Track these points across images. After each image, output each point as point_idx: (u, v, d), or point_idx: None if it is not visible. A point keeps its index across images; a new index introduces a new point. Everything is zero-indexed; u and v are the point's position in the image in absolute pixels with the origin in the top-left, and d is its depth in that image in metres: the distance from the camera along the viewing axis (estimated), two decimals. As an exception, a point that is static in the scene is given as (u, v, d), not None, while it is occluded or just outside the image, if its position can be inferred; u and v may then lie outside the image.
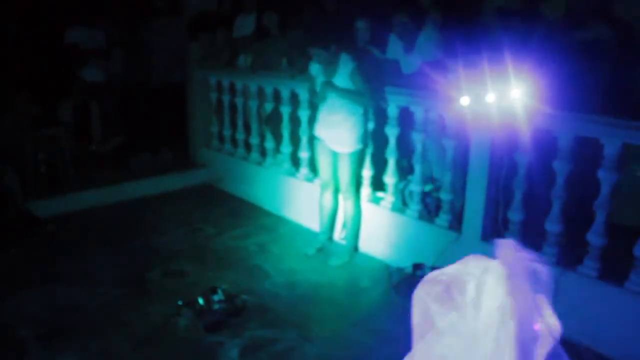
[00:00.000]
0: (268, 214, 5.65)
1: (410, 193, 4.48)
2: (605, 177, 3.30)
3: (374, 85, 4.35)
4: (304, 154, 5.30)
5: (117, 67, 6.86)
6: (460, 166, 4.12)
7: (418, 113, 4.26)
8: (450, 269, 1.72)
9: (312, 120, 4.77)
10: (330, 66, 4.20)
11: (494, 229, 3.91)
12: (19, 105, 5.76)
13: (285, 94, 5.35)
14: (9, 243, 4.78)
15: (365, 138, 4.42)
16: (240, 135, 6.16)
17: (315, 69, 4.34)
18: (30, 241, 4.89)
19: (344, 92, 4.17)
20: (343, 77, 4.17)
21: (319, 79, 4.28)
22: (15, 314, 3.76)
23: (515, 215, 3.77)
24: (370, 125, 4.56)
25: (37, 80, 6.23)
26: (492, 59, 3.52)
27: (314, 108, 4.68)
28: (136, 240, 4.97)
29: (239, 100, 6.06)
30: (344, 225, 4.75)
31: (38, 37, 6.68)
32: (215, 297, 3.74)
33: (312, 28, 4.46)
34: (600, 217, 3.35)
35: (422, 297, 1.83)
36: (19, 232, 4.95)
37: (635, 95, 4.19)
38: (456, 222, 4.15)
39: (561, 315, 2.12)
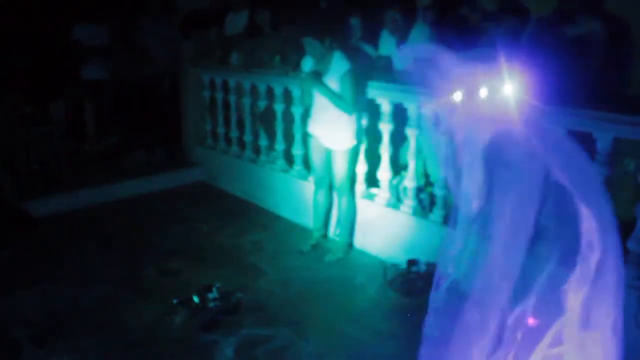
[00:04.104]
0: (262, 211, 5.65)
1: (405, 189, 4.49)
2: (598, 172, 3.31)
3: (360, 92, 4.35)
4: (297, 151, 5.31)
5: (117, 65, 6.86)
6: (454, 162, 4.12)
7: (411, 109, 4.27)
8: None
9: (305, 117, 4.77)
10: (323, 60, 4.20)
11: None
12: (11, 104, 5.73)
13: (278, 91, 5.35)
14: (3, 243, 4.76)
15: (359, 135, 4.43)
16: (233, 133, 6.16)
17: (308, 64, 4.33)
18: (22, 240, 4.87)
19: (329, 94, 4.17)
20: (334, 76, 4.16)
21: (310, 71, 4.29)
22: (9, 313, 3.76)
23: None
24: (364, 122, 4.56)
25: (30, 78, 6.20)
26: (484, 54, 3.52)
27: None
28: (130, 239, 4.96)
29: (232, 98, 6.05)
30: (338, 222, 4.75)
31: (35, 34, 6.65)
32: (210, 295, 3.75)
33: (305, 21, 4.46)
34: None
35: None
36: (10, 232, 4.93)
37: (627, 89, 4.21)
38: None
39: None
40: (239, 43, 6.12)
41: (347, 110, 4.20)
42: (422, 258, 4.09)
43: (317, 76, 4.19)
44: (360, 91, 4.36)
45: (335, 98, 4.16)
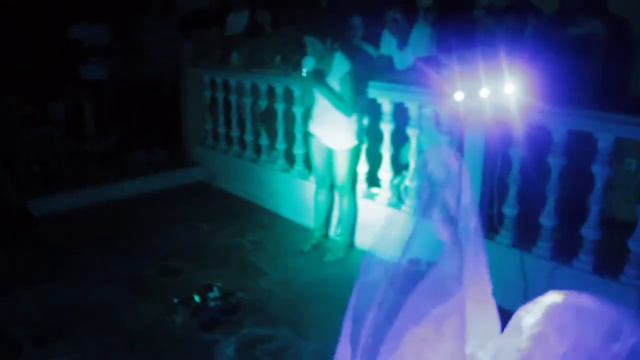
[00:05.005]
0: (263, 211, 5.64)
1: (406, 188, 4.48)
2: (599, 172, 3.31)
3: (361, 92, 4.35)
4: (298, 151, 5.30)
5: (117, 65, 6.86)
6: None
7: (412, 109, 4.26)
8: None
9: (306, 116, 4.76)
10: (324, 60, 4.19)
11: (488, 224, 3.91)
12: (11, 104, 5.72)
13: (279, 90, 5.34)
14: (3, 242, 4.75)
15: (360, 134, 4.42)
16: (234, 133, 6.15)
17: (309, 64, 4.33)
18: (20, 240, 4.86)
19: (329, 94, 4.16)
20: (335, 76, 4.16)
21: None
22: (9, 313, 3.75)
23: (509, 210, 3.77)
24: (366, 122, 4.56)
25: (30, 78, 6.20)
26: (485, 54, 3.52)
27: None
28: (131, 238, 4.95)
29: (232, 98, 6.05)
30: (339, 222, 4.75)
31: (35, 34, 6.65)
32: (211, 295, 3.74)
33: (306, 20, 4.46)
34: (594, 211, 3.36)
35: None
36: (9, 231, 4.93)
37: (628, 89, 4.21)
38: (451, 218, 4.15)
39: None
40: (239, 43, 6.12)
41: (345, 111, 4.19)
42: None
43: (319, 75, 4.18)
44: (361, 91, 4.36)
45: (335, 99, 4.15)
